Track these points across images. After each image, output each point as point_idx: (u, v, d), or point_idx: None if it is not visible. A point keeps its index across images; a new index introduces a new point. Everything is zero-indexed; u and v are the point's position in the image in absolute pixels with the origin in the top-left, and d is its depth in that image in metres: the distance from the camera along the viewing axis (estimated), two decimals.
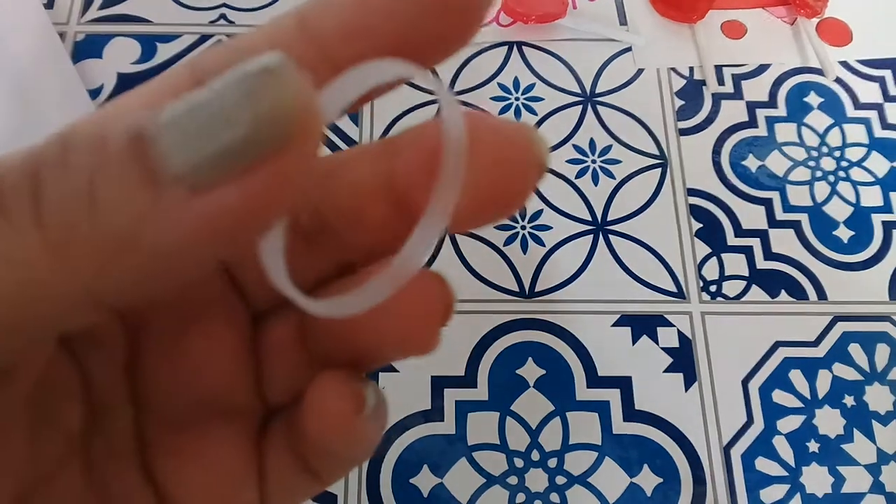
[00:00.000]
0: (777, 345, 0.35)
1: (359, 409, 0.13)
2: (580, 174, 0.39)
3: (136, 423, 0.14)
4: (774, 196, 0.39)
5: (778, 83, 0.41)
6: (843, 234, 0.38)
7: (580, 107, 0.40)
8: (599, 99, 0.41)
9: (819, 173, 0.39)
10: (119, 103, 0.12)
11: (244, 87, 0.09)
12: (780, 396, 0.34)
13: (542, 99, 0.40)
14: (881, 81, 0.42)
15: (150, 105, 0.11)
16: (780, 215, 0.38)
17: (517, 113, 0.40)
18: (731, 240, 0.38)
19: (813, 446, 0.34)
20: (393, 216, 0.13)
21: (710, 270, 0.37)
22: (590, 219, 0.38)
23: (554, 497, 0.32)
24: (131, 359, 0.14)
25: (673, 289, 0.36)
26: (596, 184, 0.39)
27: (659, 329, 0.35)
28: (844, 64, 0.42)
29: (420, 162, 0.12)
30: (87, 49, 0.41)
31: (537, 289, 0.36)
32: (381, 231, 0.13)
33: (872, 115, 0.41)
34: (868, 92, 0.41)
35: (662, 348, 0.35)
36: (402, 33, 0.11)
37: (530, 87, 0.41)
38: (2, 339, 0.10)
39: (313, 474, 0.14)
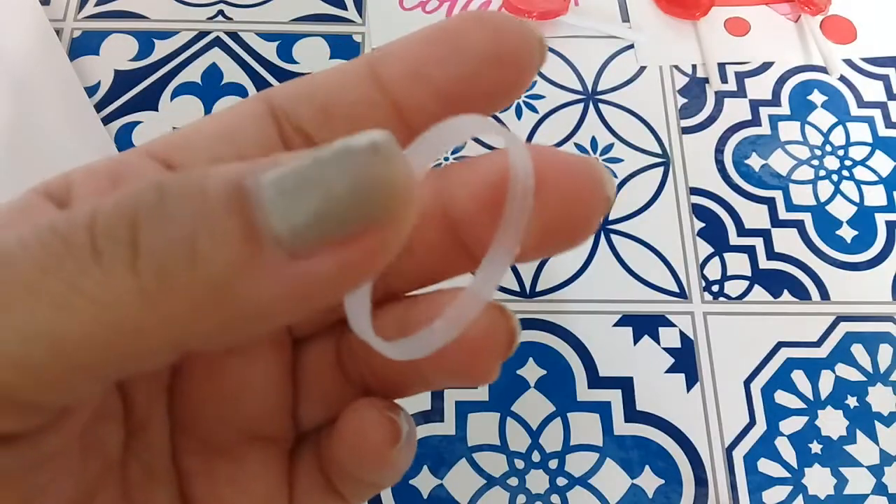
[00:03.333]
0: (779, 345, 0.35)
1: (395, 440, 0.13)
2: None
3: (172, 446, 0.14)
4: (777, 195, 0.38)
5: (781, 81, 0.41)
6: (847, 233, 0.38)
7: (582, 105, 0.40)
8: (601, 97, 0.40)
9: (822, 172, 0.39)
10: (196, 134, 0.12)
11: (350, 161, 0.09)
12: (782, 397, 0.34)
13: (543, 97, 0.40)
14: (885, 80, 0.41)
15: (227, 137, 0.12)
16: (783, 215, 0.38)
17: (518, 111, 0.40)
18: (734, 239, 0.37)
19: (815, 447, 0.33)
20: (441, 244, 0.13)
21: (713, 270, 0.37)
22: None
23: (555, 498, 0.32)
24: (172, 383, 0.14)
25: (675, 288, 0.36)
26: None
27: (660, 329, 0.35)
28: (848, 62, 0.42)
29: (482, 194, 0.12)
30: (84, 46, 0.40)
31: (538, 289, 0.36)
32: (428, 259, 0.13)
33: (876, 113, 0.40)
34: (872, 90, 0.41)
35: (664, 348, 0.35)
36: (460, 81, 0.12)
37: (532, 85, 0.40)
38: (81, 379, 0.10)
39: (340, 497, 0.15)
